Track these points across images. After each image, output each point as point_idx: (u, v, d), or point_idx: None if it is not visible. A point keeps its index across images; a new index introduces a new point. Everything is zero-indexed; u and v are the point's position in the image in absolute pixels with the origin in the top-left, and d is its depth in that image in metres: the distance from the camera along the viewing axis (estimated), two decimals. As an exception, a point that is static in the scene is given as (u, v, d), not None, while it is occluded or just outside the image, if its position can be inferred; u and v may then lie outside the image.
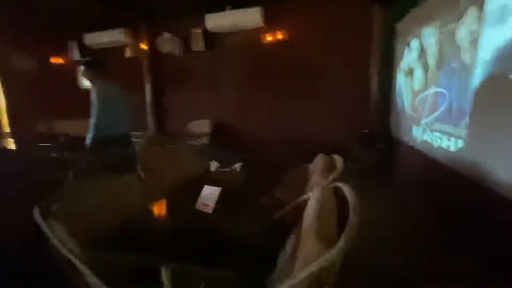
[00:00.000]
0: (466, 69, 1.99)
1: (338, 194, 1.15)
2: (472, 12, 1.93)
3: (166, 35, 4.87)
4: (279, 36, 4.50)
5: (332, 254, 0.72)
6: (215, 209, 1.35)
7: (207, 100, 5.15)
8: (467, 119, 1.99)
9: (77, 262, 0.95)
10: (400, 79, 3.56)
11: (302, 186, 1.56)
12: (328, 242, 0.78)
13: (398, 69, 3.67)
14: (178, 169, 1.82)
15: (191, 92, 5.21)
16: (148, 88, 5.32)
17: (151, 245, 1.29)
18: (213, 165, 2.04)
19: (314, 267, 0.71)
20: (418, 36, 2.96)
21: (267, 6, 4.34)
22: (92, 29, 5.29)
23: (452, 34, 2.19)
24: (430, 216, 2.49)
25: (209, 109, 5.13)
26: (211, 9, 4.47)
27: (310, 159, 2.58)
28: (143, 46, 5.16)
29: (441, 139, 2.39)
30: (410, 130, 3.14)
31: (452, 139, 2.18)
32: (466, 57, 2.00)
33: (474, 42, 1.89)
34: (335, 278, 0.79)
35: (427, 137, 2.69)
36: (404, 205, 2.95)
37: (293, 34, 4.51)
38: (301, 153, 4.62)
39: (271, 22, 4.47)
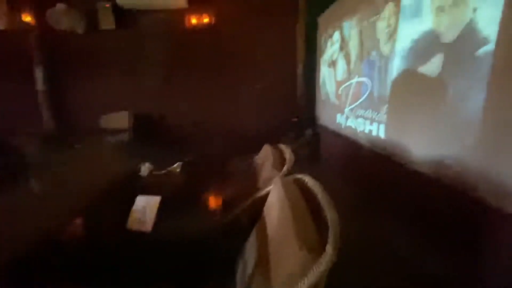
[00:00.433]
0: (385, 60, 2.21)
1: (300, 187, 1.06)
2: (390, 6, 2.13)
3: (60, 6, 3.88)
4: (205, 19, 4.19)
5: (323, 265, 0.60)
6: (155, 225, 1.07)
7: (123, 89, 4.41)
8: (387, 106, 2.22)
9: None
10: (324, 70, 3.81)
11: (253, 180, 1.43)
12: (313, 249, 0.66)
13: (321, 60, 3.91)
14: (94, 175, 1.41)
15: (102, 78, 4.35)
16: (39, 72, 4.19)
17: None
18: (145, 168, 1.67)
19: (308, 282, 0.57)
20: (340, 29, 3.18)
21: (190, -14, 3.95)
22: None
23: (372, 28, 2.39)
24: (358, 192, 2.76)
25: (127, 99, 4.41)
26: (122, -21, 3.78)
27: (248, 151, 2.48)
28: (27, 18, 4.00)
29: (364, 124, 2.64)
30: (335, 117, 3.40)
31: (375, 123, 2.43)
32: (385, 49, 2.21)
33: (392, 35, 2.10)
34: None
35: (351, 123, 2.94)
36: (333, 186, 3.20)
37: (220, 19, 4.26)
38: (238, 145, 4.50)
39: (196, 4, 4.10)
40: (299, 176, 1.08)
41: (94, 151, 1.87)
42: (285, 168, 1.29)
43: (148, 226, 1.05)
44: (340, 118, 3.24)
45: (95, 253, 1.00)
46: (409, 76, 1.94)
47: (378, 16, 2.30)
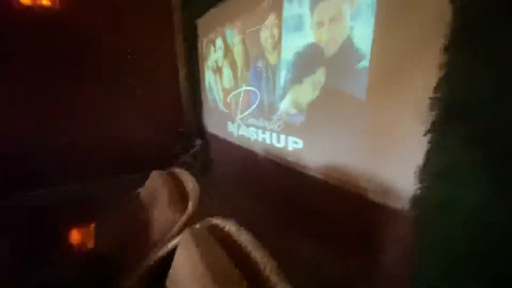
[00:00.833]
0: (272, 70, 2.23)
1: (216, 235, 0.77)
2: (271, 17, 2.16)
3: None
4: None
5: None
6: None
7: None
8: (278, 114, 2.25)
9: None
10: (209, 76, 3.62)
11: (141, 230, 1.01)
12: None
13: (205, 66, 3.70)
14: None
15: None
16: None
17: None
18: None
19: None
20: (222, 35, 3.07)
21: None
22: None
23: (256, 37, 2.38)
24: (258, 201, 2.72)
25: None
26: None
27: (131, 170, 1.93)
28: None
29: (256, 133, 2.62)
30: (226, 126, 3.27)
31: (267, 132, 2.43)
32: (271, 59, 2.23)
33: (276, 45, 2.14)
34: None
35: (243, 132, 2.88)
36: (227, 196, 3.07)
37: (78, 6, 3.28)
38: (115, 164, 3.64)
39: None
40: (216, 221, 0.79)
41: None
42: (190, 207, 0.96)
43: None
44: (231, 127, 3.14)
45: None
46: (297, 87, 2.01)
47: (260, 26, 2.31)
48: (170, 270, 0.76)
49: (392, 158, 1.35)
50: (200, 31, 3.75)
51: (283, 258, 0.71)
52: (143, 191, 1.31)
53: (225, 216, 0.83)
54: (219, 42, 3.19)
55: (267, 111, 2.40)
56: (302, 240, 2.08)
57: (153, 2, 3.73)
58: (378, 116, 1.42)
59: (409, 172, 1.23)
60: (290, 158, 2.18)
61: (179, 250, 0.76)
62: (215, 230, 0.78)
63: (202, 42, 3.71)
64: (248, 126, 2.76)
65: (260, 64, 2.40)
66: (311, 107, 1.88)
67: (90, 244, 1.30)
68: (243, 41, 2.64)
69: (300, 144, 2.04)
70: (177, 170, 1.28)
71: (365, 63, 1.44)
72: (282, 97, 2.15)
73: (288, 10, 1.96)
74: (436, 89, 1.07)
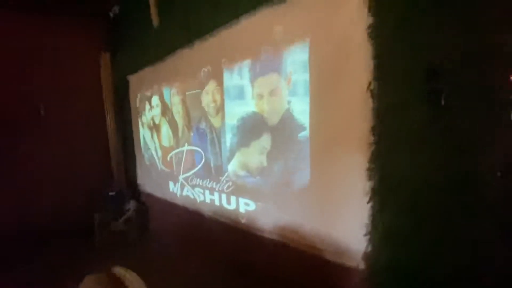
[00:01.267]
0: (217, 133, 2.26)
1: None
2: (212, 83, 2.25)
3: None
4: None
5: None
6: None
7: None
8: (226, 175, 2.23)
9: None
10: (146, 134, 3.41)
11: None
12: None
13: (140, 121, 3.50)
14: None
15: None
16: None
17: None
18: None
19: None
20: (159, 94, 3.01)
21: None
22: None
23: (197, 100, 2.42)
24: (201, 261, 2.50)
25: None
26: None
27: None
28: None
29: (204, 194, 2.51)
30: (167, 186, 3.05)
31: (216, 193, 2.36)
32: (215, 122, 2.27)
33: (219, 110, 2.20)
34: None
35: (188, 192, 2.73)
36: (171, 263, 2.76)
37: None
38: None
39: None
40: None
41: None
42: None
43: None
44: (174, 187, 2.94)
45: None
46: (244, 150, 2.05)
47: (201, 90, 2.37)
48: None
49: (344, 220, 1.47)
50: (132, 86, 3.60)
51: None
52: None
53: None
54: (155, 100, 3.11)
55: (214, 172, 2.36)
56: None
57: (81, 58, 3.48)
58: (324, 181, 1.56)
59: (360, 232, 1.35)
60: (242, 220, 2.13)
61: None
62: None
63: (136, 98, 3.55)
64: (193, 186, 2.64)
65: (203, 126, 2.41)
66: (261, 170, 1.93)
67: None
68: (183, 102, 2.64)
69: (252, 205, 2.04)
70: (120, 272, 1.09)
71: (305, 133, 1.60)
72: (230, 159, 2.17)
73: (229, 80, 2.09)
74: (370, 161, 1.26)
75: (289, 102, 1.67)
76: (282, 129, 1.73)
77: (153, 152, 3.31)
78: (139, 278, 1.04)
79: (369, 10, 1.19)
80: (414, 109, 1.11)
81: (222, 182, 2.26)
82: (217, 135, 2.26)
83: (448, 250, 1.08)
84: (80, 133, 3.50)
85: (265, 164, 1.88)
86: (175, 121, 2.81)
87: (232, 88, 2.07)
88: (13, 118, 3.10)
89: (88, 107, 3.56)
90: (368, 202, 1.27)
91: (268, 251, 1.97)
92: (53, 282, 2.27)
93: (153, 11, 2.61)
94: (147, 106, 3.29)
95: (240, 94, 2.00)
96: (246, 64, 1.92)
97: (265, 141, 1.84)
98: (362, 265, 1.39)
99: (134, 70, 3.38)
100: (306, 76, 1.56)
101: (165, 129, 3.01)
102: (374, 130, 1.22)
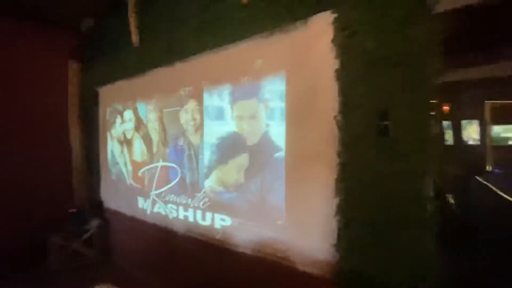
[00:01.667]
0: (195, 150, 2.34)
1: None
2: (192, 103, 2.36)
3: None
4: None
5: None
6: None
7: None
8: (202, 191, 2.30)
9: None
10: (115, 147, 3.32)
11: None
12: None
13: (109, 136, 3.40)
14: None
15: None
16: None
17: None
18: None
19: None
20: (133, 109, 3.00)
21: None
22: None
23: (175, 117, 2.49)
24: (173, 281, 2.48)
25: None
26: None
27: None
28: None
29: (177, 210, 2.53)
30: (136, 202, 2.98)
31: (190, 209, 2.40)
32: (193, 139, 2.36)
33: (199, 128, 2.30)
34: None
35: (160, 209, 2.71)
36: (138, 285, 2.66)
37: None
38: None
39: None
40: None
41: None
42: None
43: None
44: (144, 203, 2.89)
45: None
46: (222, 167, 2.15)
47: (181, 108, 2.45)
48: None
49: (313, 233, 1.64)
50: (102, 99, 3.52)
51: None
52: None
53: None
54: (128, 114, 3.08)
55: (190, 188, 2.41)
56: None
57: (46, 67, 3.32)
58: (297, 197, 1.74)
59: (328, 244, 1.53)
60: (217, 236, 2.20)
61: None
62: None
63: (105, 111, 3.46)
64: (166, 203, 2.64)
65: (181, 142, 2.47)
66: (238, 186, 2.05)
67: None
68: (160, 118, 2.69)
69: (228, 221, 2.13)
70: None
71: (281, 153, 1.79)
72: (207, 175, 2.25)
73: (209, 100, 2.22)
74: (336, 181, 1.47)
75: (267, 125, 1.86)
76: (260, 149, 1.90)
77: (122, 167, 3.23)
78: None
79: (336, 56, 1.45)
80: (370, 138, 1.37)
81: (198, 198, 2.32)
82: (195, 152, 2.35)
83: (401, 259, 1.31)
84: (41, 143, 3.27)
85: (242, 180, 2.01)
86: (150, 137, 2.82)
87: (212, 108, 2.21)
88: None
89: (51, 117, 3.36)
90: (334, 216, 1.47)
91: (242, 265, 2.06)
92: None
93: (133, 31, 2.66)
94: (118, 120, 3.23)
95: (220, 115, 2.14)
96: (227, 87, 2.08)
97: (244, 159, 1.99)
98: (329, 274, 1.57)
99: (106, 82, 3.33)
100: (282, 104, 1.77)
101: (138, 144, 2.98)
102: (340, 154, 1.45)
